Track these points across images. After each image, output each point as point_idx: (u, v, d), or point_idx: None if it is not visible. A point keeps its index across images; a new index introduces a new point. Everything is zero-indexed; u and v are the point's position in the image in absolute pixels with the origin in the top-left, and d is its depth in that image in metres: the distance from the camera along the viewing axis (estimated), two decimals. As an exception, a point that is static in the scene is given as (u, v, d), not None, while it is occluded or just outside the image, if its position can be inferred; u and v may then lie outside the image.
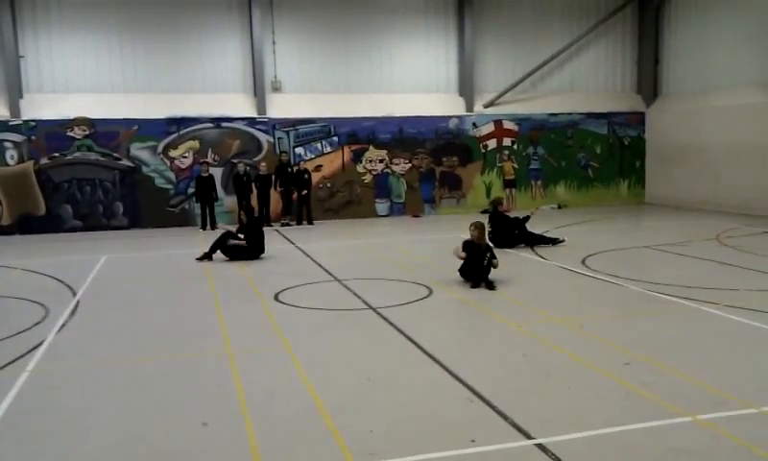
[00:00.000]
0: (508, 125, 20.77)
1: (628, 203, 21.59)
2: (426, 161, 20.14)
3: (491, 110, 20.66)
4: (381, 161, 19.87)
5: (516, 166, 20.93)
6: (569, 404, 5.40)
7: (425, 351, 6.80)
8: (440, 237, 15.36)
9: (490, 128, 20.65)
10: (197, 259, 12.61)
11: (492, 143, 20.72)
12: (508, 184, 20.93)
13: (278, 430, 5.04)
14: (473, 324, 8.37)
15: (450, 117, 20.29)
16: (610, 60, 21.83)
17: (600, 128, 21.49)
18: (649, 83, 21.75)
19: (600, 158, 21.56)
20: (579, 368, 6.27)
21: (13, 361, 6.80)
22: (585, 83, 21.66)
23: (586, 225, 16.76)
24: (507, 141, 20.83)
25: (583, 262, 11.44)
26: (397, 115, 19.82)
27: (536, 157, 21.09)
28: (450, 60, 20.60)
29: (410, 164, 20.02)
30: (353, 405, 5.49)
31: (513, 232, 13.20)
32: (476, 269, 9.83)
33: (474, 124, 20.48)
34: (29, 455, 4.79)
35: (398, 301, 9.01)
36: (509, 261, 12.17)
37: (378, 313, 8.42)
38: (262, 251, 12.90)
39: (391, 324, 7.90)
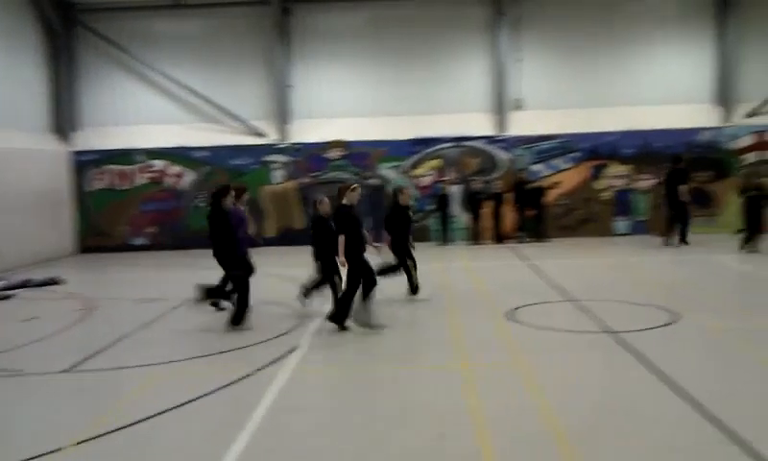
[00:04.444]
0: (774, 136, 18.66)
1: None
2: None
3: (752, 121, 18.74)
4: (623, 177, 19.05)
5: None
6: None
7: (671, 382, 6.41)
8: (687, 259, 14.32)
9: (750, 139, 18.74)
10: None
11: (751, 157, 18.77)
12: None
13: (515, 449, 5.12)
14: (729, 357, 7.54)
15: (702, 129, 18.79)
16: None
17: None
18: None
19: None
20: None
21: (274, 362, 7.55)
22: None
23: None
24: (771, 154, 18.74)
25: None
26: (643, 128, 18.86)
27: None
28: (704, 68, 19.11)
29: (656, 180, 18.85)
30: (591, 433, 5.38)
31: None
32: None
33: (732, 136, 18.72)
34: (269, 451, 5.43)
35: (640, 325, 8.59)
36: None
37: (617, 337, 8.10)
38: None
39: (631, 349, 7.56)
